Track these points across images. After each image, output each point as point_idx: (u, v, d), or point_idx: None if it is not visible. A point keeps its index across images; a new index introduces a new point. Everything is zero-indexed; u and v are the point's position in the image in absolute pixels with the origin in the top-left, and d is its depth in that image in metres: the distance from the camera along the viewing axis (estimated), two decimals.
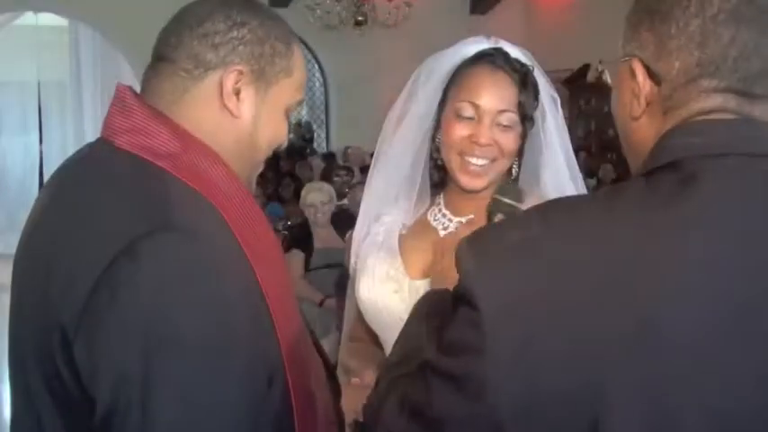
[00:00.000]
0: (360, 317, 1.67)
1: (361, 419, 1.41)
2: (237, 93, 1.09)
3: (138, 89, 1.13)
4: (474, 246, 0.86)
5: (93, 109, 10.80)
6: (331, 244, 4.79)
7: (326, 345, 3.84)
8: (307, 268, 4.77)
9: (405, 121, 1.62)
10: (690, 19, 0.85)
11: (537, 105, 1.55)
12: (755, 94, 0.84)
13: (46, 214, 1.07)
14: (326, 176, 7.12)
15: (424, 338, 0.93)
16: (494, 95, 1.49)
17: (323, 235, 4.87)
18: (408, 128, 1.61)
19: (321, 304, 4.64)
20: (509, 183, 1.52)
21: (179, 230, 0.95)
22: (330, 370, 1.27)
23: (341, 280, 4.15)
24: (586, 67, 9.33)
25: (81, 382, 0.94)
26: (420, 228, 1.63)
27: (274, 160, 8.08)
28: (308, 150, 10.41)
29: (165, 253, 0.93)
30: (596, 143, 9.46)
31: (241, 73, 1.09)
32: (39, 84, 11.07)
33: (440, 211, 1.62)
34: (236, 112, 1.10)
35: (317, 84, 10.96)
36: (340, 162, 8.97)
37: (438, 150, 1.58)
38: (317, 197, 4.90)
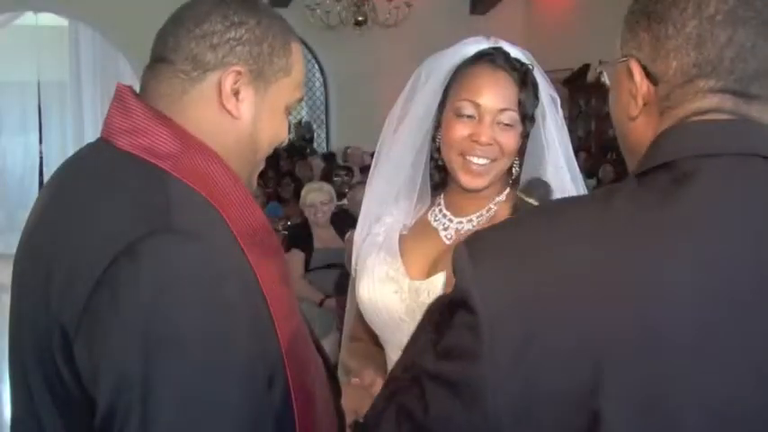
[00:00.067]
0: (360, 317, 1.67)
1: (361, 420, 1.41)
2: (236, 93, 1.09)
3: (137, 89, 1.13)
4: (470, 248, 0.86)
5: (93, 109, 10.80)
6: (331, 244, 4.80)
7: (326, 345, 3.84)
8: (307, 268, 4.77)
9: (405, 121, 1.62)
10: (687, 20, 0.85)
11: (537, 104, 1.55)
12: (752, 94, 0.85)
13: (46, 214, 1.07)
14: (326, 176, 7.12)
15: (421, 346, 0.92)
16: (494, 94, 1.49)
17: (323, 235, 4.87)
18: (409, 128, 1.61)
19: (321, 304, 4.64)
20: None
21: (179, 231, 0.95)
22: (330, 370, 1.26)
23: (341, 280, 4.16)
24: (586, 67, 9.32)
25: (81, 382, 0.94)
26: (420, 228, 1.63)
27: (274, 160, 8.10)
28: (308, 150, 10.41)
29: (166, 253, 0.93)
30: (596, 143, 9.46)
31: (239, 73, 1.08)
32: (39, 84, 11.06)
33: (440, 211, 1.62)
34: (236, 113, 1.10)
35: (317, 84, 10.96)
36: (340, 162, 8.98)
37: (438, 150, 1.58)
38: (317, 197, 4.90)
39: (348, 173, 7.34)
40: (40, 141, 11.25)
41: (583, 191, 1.64)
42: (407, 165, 1.62)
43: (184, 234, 0.95)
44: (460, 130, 1.50)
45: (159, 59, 1.10)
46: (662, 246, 0.78)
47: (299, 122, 10.96)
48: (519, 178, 1.57)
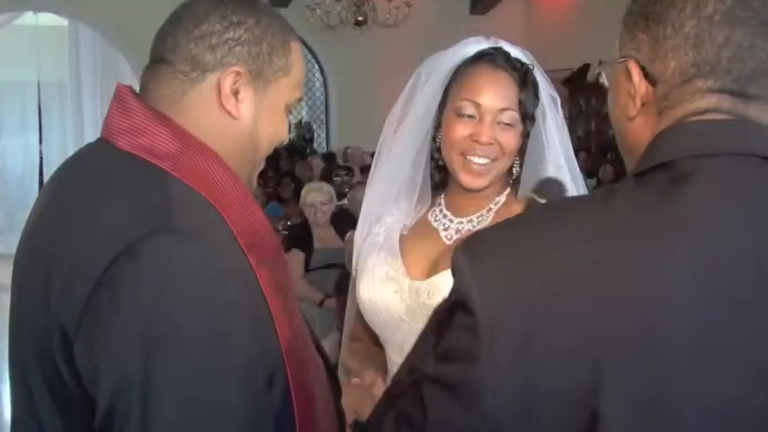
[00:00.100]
0: (360, 317, 1.67)
1: (361, 420, 1.41)
2: (236, 93, 1.09)
3: (137, 89, 1.13)
4: (469, 249, 0.86)
5: (93, 109, 10.80)
6: (331, 244, 4.80)
7: (326, 345, 3.84)
8: (307, 268, 4.77)
9: (405, 121, 1.62)
10: (685, 20, 0.85)
11: (537, 104, 1.55)
12: (749, 94, 0.85)
13: (46, 214, 1.07)
14: (326, 176, 7.12)
15: (423, 349, 0.92)
16: (495, 94, 1.50)
17: (323, 235, 4.87)
18: (409, 128, 1.61)
19: (321, 304, 4.64)
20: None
21: (179, 231, 0.95)
22: (330, 370, 1.26)
23: (341, 280, 4.16)
24: (586, 67, 9.32)
25: (81, 382, 0.94)
26: (421, 228, 1.63)
27: (274, 160, 8.10)
28: (308, 150, 10.41)
29: (166, 253, 0.93)
30: (596, 143, 9.46)
31: (239, 74, 1.08)
32: (39, 84, 11.06)
33: (441, 211, 1.62)
34: (236, 113, 1.09)
35: (317, 84, 10.96)
36: (340, 162, 8.97)
37: (439, 150, 1.58)
38: (317, 197, 4.90)
39: (348, 173, 7.34)
40: (40, 141, 11.24)
41: (583, 191, 1.64)
42: (408, 165, 1.62)
43: (184, 234, 0.95)
44: (461, 130, 1.51)
45: (158, 60, 1.10)
46: (660, 246, 0.78)
47: (299, 122, 10.97)
48: (519, 178, 1.57)
